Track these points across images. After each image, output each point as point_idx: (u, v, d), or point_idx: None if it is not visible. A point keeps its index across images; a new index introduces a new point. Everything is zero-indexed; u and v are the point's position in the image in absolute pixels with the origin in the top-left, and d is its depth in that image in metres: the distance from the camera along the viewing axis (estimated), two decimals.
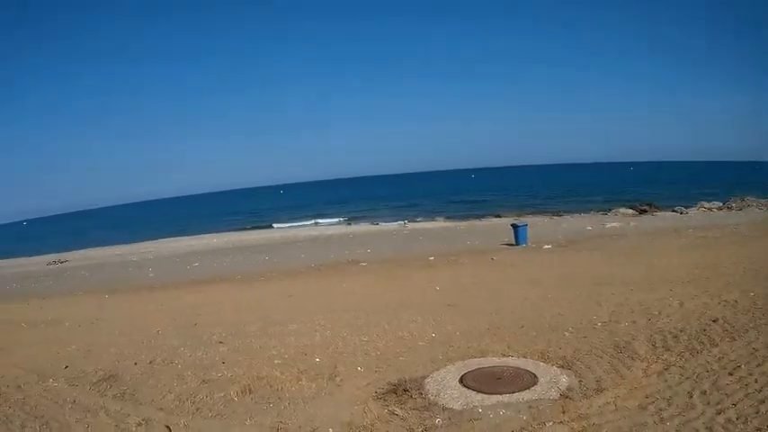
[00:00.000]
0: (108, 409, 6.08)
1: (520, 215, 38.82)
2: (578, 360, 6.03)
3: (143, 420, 5.62)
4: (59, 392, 6.87)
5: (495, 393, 5.07)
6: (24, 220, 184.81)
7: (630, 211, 36.80)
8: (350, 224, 49.48)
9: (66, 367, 8.05)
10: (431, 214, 49.93)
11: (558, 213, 40.50)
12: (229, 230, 52.45)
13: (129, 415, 5.82)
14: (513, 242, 21.97)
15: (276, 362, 7.35)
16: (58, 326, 12.49)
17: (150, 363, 7.96)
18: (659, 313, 7.95)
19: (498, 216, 41.73)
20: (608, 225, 28.38)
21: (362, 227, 43.60)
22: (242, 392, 6.15)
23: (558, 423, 4.51)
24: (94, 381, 7.22)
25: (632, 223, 29.00)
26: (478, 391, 5.17)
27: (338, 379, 6.34)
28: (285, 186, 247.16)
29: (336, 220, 55.53)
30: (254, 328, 9.68)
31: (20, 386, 7.31)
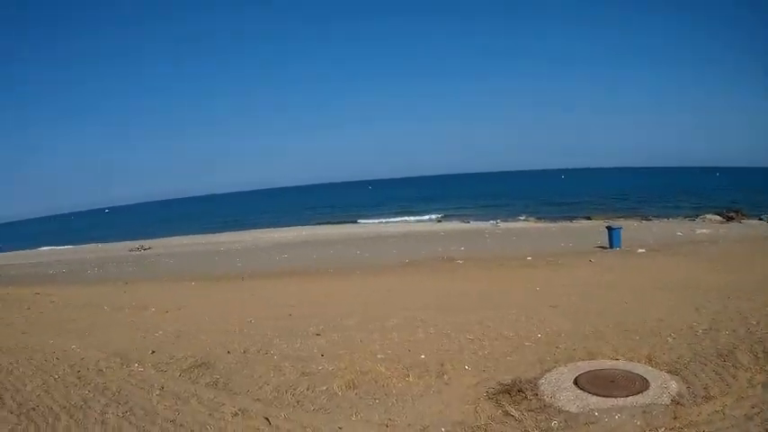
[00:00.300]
0: (200, 397, 5.76)
1: (610, 218, 37.30)
2: (684, 366, 5.84)
3: (239, 410, 5.31)
4: (146, 378, 6.52)
5: (610, 397, 4.95)
6: (106, 208, 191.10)
7: (717, 217, 34.65)
8: (440, 221, 49.08)
9: (153, 352, 7.68)
10: (521, 214, 48.54)
11: (646, 217, 38.62)
12: (314, 224, 52.58)
13: (223, 404, 5.52)
14: (607, 245, 21.18)
15: (379, 357, 6.95)
16: (143, 311, 12.10)
17: (244, 352, 7.54)
18: (758, 323, 7.53)
19: (589, 218, 40.33)
20: (698, 231, 26.88)
21: (453, 225, 42.89)
22: (346, 387, 5.79)
23: (670, 429, 4.43)
24: (185, 367, 6.87)
25: (721, 230, 27.29)
26: (594, 394, 5.04)
27: (446, 377, 6.00)
28: (372, 182, 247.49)
29: (426, 217, 54.66)
30: (353, 322, 9.29)
31: (101, 370, 6.95)
